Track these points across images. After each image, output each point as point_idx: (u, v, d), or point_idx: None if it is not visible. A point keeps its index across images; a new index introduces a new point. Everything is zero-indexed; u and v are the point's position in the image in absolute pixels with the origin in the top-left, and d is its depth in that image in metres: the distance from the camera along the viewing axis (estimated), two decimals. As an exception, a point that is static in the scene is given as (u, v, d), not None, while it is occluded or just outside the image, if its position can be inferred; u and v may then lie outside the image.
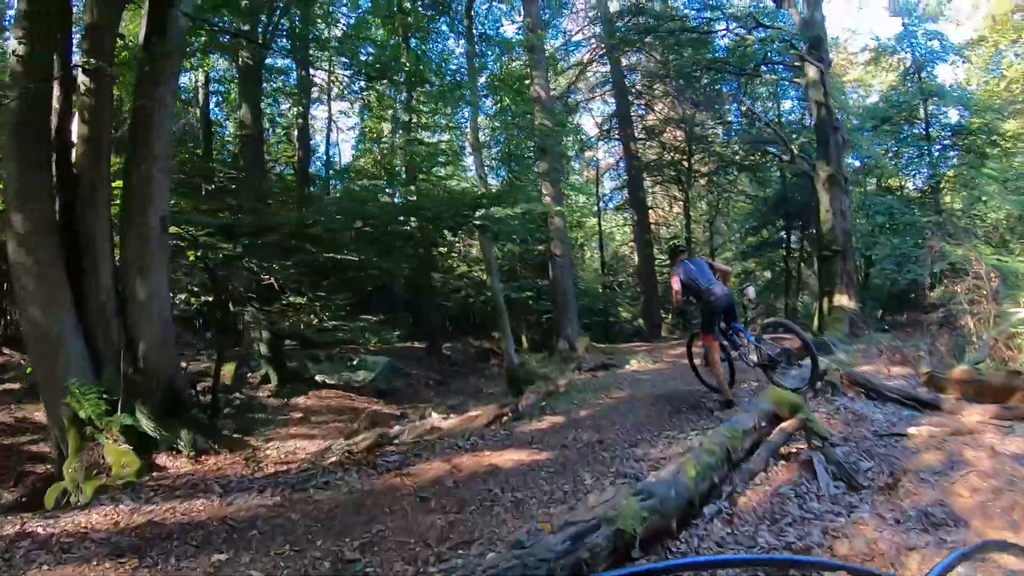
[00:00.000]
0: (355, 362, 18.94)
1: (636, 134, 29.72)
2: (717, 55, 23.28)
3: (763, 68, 22.73)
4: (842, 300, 17.83)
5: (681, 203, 31.43)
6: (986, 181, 21.44)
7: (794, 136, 23.98)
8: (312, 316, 15.26)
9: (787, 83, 25.79)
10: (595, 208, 33.25)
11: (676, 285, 9.30)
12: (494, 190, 20.44)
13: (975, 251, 14.67)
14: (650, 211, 31.74)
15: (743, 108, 27.82)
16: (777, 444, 6.64)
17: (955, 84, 27.49)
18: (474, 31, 21.95)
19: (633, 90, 30.18)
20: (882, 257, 21.36)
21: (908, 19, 25.43)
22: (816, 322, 19.56)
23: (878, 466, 6.40)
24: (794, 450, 6.68)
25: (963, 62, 28.47)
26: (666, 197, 34.72)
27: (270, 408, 15.09)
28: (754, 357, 9.25)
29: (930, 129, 24.86)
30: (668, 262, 12.39)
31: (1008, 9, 28.78)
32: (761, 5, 22.90)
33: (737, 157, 29.49)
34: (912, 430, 7.49)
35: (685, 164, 29.89)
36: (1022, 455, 6.47)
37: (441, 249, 30.26)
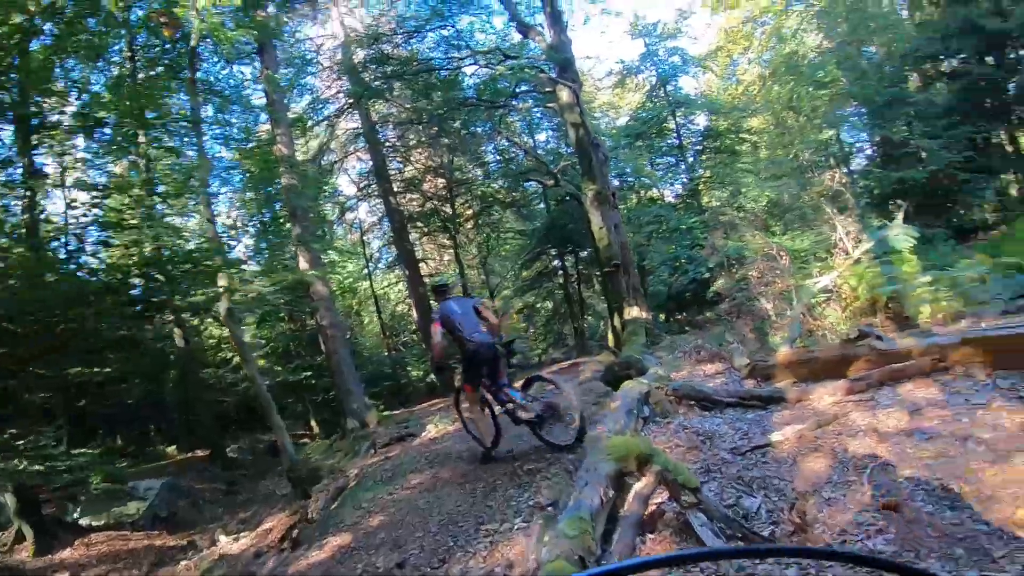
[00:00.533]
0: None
1: (395, 187, 27.75)
2: (469, 95, 21.92)
3: (515, 101, 21.63)
4: (633, 312, 16.54)
5: (451, 250, 29.70)
6: (741, 175, 21.41)
7: (551, 161, 23.02)
8: (16, 460, 11.75)
9: (540, 115, 25.31)
10: (365, 271, 30.84)
11: (437, 336, 7.75)
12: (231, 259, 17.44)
13: (764, 236, 13.86)
14: (422, 263, 29.92)
15: (500, 144, 26.56)
16: (639, 515, 4.51)
17: (699, 93, 28.23)
18: (200, 87, 18.97)
19: (387, 144, 28.26)
20: (657, 264, 20.92)
21: (649, 40, 25.40)
22: (612, 339, 18.19)
23: (768, 499, 4.62)
24: (655, 509, 4.65)
25: (703, 73, 29.20)
26: (436, 247, 32.91)
27: (30, 573, 11.82)
28: (521, 414, 7.56)
29: (682, 138, 25.02)
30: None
31: (738, 21, 30.14)
32: (508, 40, 21.90)
33: (500, 195, 28.25)
34: (776, 436, 5.89)
35: (449, 210, 28.28)
36: (911, 427, 5.46)
37: (209, 340, 27.09)
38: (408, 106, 25.03)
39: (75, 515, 14.42)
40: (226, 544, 9.94)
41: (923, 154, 18.05)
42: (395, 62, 21.78)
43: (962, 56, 18.83)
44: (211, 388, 24.84)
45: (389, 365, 27.64)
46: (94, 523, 14.16)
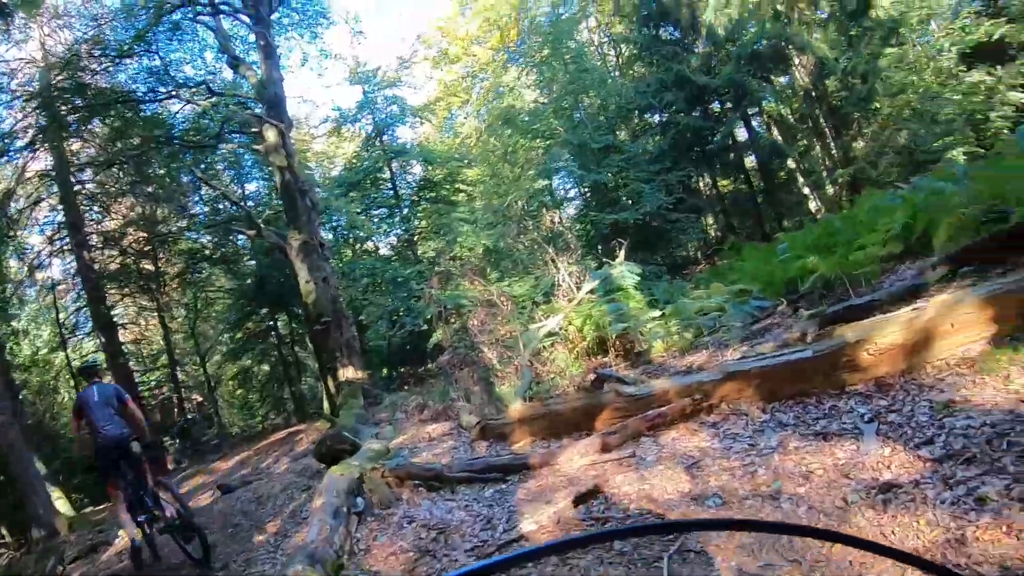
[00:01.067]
0: None
1: (92, 241, 23.68)
2: (174, 134, 19.43)
3: (221, 143, 19.69)
4: (348, 373, 14.68)
5: (155, 313, 26.05)
6: (458, 224, 20.47)
7: (261, 210, 20.96)
8: None
9: (251, 162, 23.26)
10: (58, 339, 25.75)
11: (73, 427, 7.33)
12: None
13: (482, 283, 12.60)
14: (124, 329, 26.05)
15: (205, 193, 23.59)
16: None
17: (415, 144, 26.72)
18: None
19: (84, 192, 23.94)
20: (375, 319, 19.17)
21: (368, 87, 23.85)
22: (327, 405, 15.95)
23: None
24: None
25: (421, 123, 28.31)
26: (138, 310, 28.85)
27: None
28: (161, 523, 6.88)
29: (398, 188, 23.81)
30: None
31: (458, 76, 30.43)
32: (220, 75, 20.04)
33: (207, 251, 25.27)
34: (528, 525, 4.36)
35: (151, 267, 24.74)
36: (697, 491, 4.13)
37: None
38: (105, 146, 21.55)
39: None
40: None
41: (627, 199, 18.37)
42: (92, 92, 18.72)
43: (673, 108, 19.98)
44: None
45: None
46: None
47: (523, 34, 27.16)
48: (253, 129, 17.36)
